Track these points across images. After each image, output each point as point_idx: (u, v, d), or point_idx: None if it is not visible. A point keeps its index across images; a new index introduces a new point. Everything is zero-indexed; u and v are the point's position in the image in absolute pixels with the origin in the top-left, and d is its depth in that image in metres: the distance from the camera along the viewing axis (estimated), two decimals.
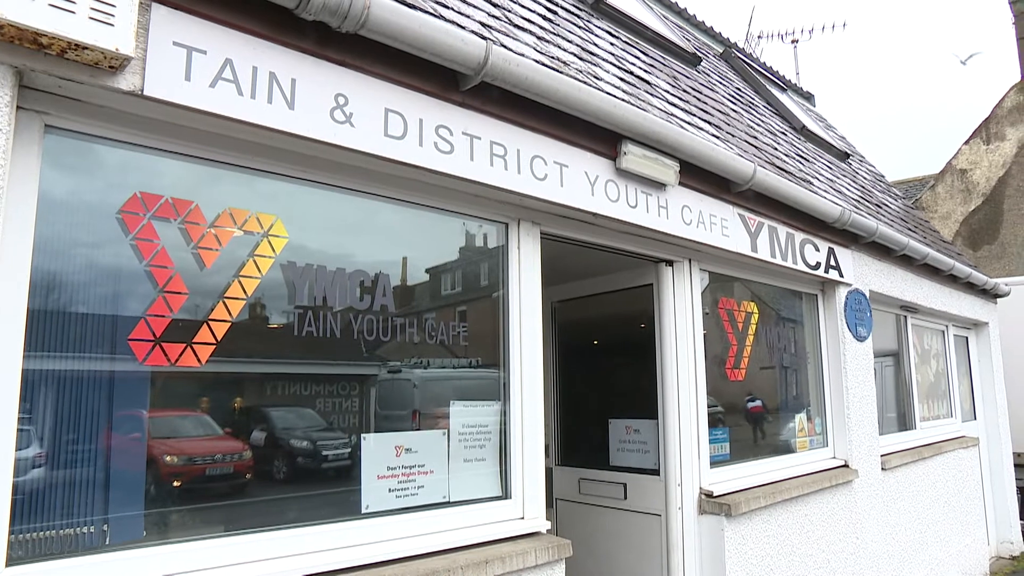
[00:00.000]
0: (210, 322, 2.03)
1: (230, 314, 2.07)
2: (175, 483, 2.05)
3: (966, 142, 17.22)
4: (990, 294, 7.91)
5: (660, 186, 3.23)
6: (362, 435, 2.37)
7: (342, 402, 2.39)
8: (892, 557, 5.15)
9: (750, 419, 4.08)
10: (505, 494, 2.73)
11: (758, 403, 4.09)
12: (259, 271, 2.16)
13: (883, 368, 6.16)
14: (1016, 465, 8.44)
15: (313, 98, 2.07)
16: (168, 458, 2.05)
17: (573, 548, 3.76)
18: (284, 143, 2.12)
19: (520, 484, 2.73)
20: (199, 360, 1.99)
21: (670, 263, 3.57)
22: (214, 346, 2.03)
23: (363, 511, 2.32)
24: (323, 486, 2.39)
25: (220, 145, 2.05)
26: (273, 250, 2.19)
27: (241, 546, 2.00)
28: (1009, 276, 9.90)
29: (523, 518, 2.72)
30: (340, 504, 2.32)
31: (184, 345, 1.97)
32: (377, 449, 2.40)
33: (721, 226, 3.58)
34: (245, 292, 2.12)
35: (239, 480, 2.21)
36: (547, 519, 3.44)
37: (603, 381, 4.26)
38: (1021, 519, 8.23)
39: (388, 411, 2.52)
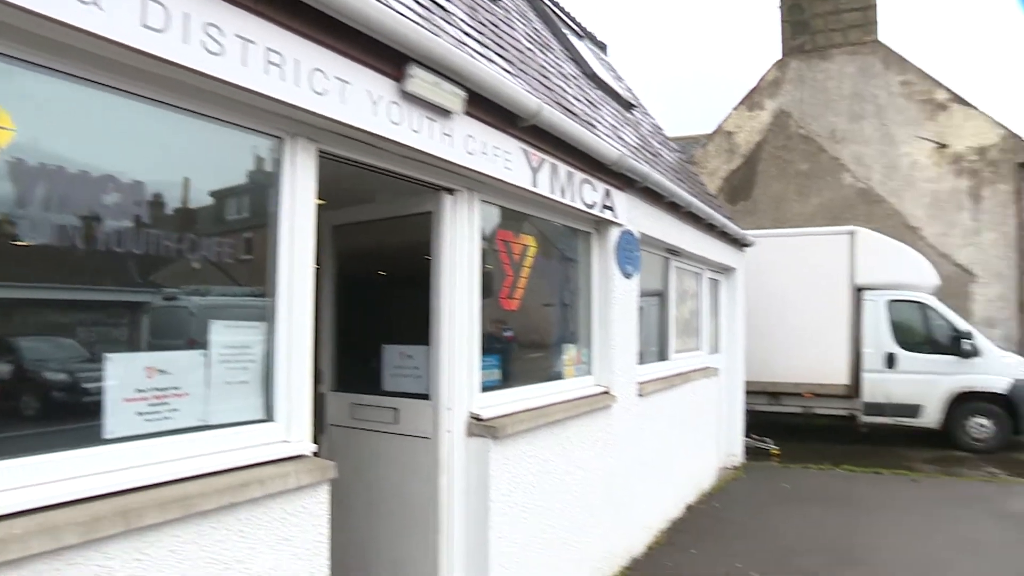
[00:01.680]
0: None
1: None
2: None
3: (735, 108, 18.96)
4: (740, 244, 8.92)
5: (445, 113, 3.21)
6: (106, 354, 2.17)
7: (109, 331, 2.18)
8: (641, 472, 5.75)
9: (513, 346, 4.29)
10: (268, 417, 2.64)
11: (511, 332, 4.29)
12: None
13: (648, 307, 6.74)
14: (746, 392, 9.80)
15: None
16: None
17: (345, 473, 3.78)
18: (12, 17, 1.80)
19: (285, 407, 2.66)
20: None
21: (451, 191, 3.59)
22: None
23: (106, 437, 2.14)
24: (67, 415, 2.18)
25: None
26: None
27: None
28: (757, 229, 11.19)
29: (287, 441, 2.65)
30: (81, 432, 2.11)
31: None
32: (123, 369, 2.20)
33: (504, 159, 3.66)
34: None
35: None
36: (319, 445, 3.39)
37: (382, 307, 4.25)
38: (744, 436, 9.62)
39: (158, 339, 2.34)
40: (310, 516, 2.64)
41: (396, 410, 3.82)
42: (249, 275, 2.68)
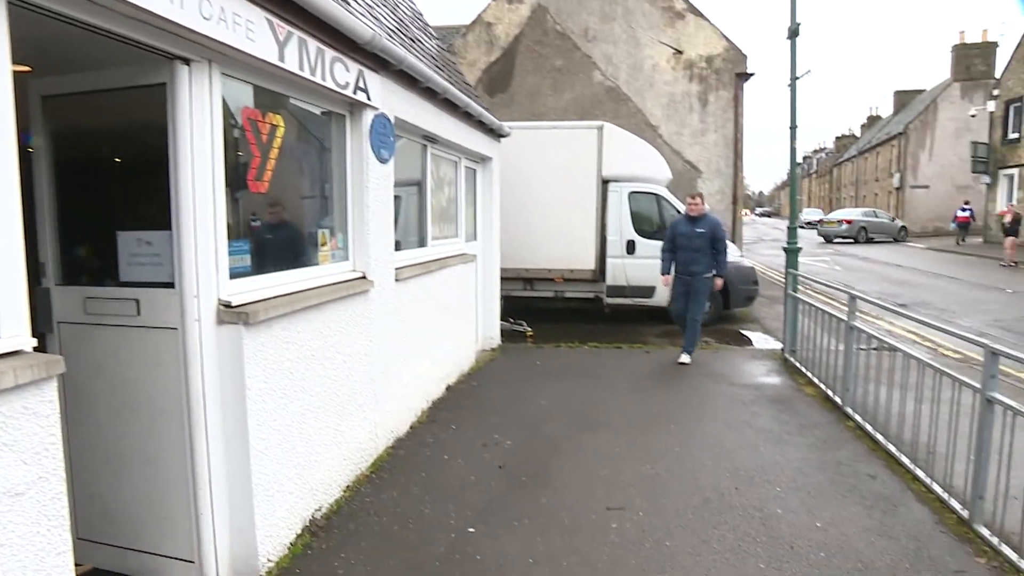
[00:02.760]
0: None
1: None
2: None
3: None
4: (496, 134, 9.15)
5: None
6: None
7: None
8: (401, 355, 5.93)
9: (265, 231, 4.12)
10: None
11: (261, 217, 4.11)
12: None
13: (407, 195, 6.77)
14: (501, 278, 10.36)
15: None
16: None
17: (85, 372, 3.49)
18: None
19: None
20: None
21: (187, 61, 3.25)
22: None
23: None
24: None
25: None
26: None
27: None
28: (513, 121, 11.53)
29: None
30: None
31: None
32: None
33: (247, 28, 3.37)
34: None
35: None
36: (48, 345, 3.05)
37: (114, 191, 3.83)
38: (500, 320, 10.24)
39: None
40: (35, 417, 2.41)
41: (137, 301, 3.53)
42: None
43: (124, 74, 3.38)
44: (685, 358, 8.92)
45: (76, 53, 3.24)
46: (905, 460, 5.23)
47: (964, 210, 32.78)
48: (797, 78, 9.72)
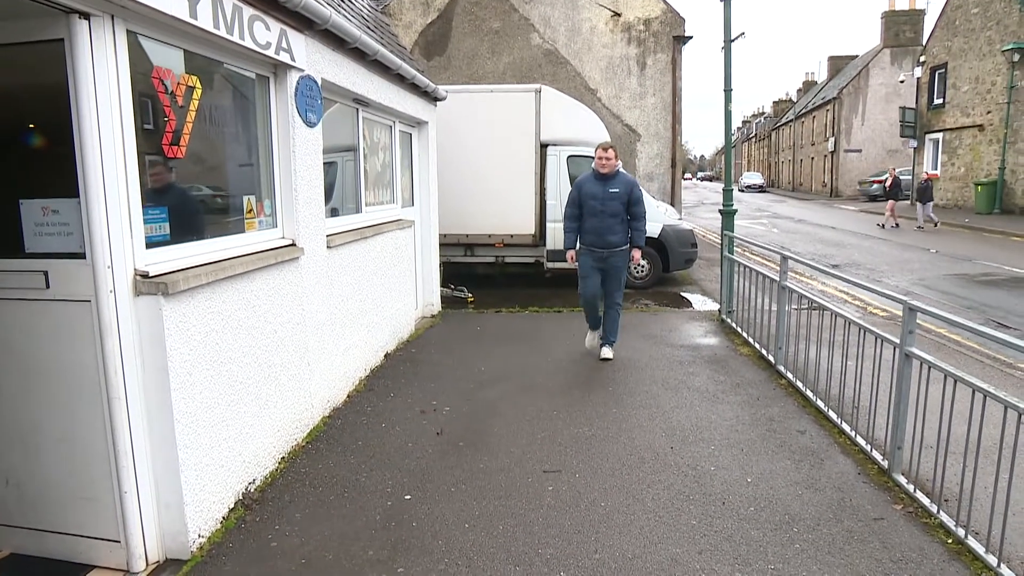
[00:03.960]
0: None
1: None
2: None
3: None
4: (432, 97, 8.98)
5: None
6: None
7: None
8: (335, 323, 5.83)
9: (184, 198, 3.94)
10: None
11: (180, 184, 3.92)
12: None
13: (342, 161, 6.60)
14: (441, 244, 10.27)
15: None
16: None
17: None
18: None
19: None
20: None
21: (86, 16, 3.04)
22: None
23: None
24: None
25: None
26: None
27: None
28: (451, 85, 11.33)
29: None
30: None
31: None
32: None
33: None
34: None
35: None
36: None
37: (14, 157, 3.61)
38: (441, 287, 10.18)
39: None
40: None
41: (46, 273, 3.35)
42: None
43: (17, 29, 3.14)
44: (608, 352, 7.38)
45: None
46: (832, 415, 5.41)
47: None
48: (732, 40, 9.78)
